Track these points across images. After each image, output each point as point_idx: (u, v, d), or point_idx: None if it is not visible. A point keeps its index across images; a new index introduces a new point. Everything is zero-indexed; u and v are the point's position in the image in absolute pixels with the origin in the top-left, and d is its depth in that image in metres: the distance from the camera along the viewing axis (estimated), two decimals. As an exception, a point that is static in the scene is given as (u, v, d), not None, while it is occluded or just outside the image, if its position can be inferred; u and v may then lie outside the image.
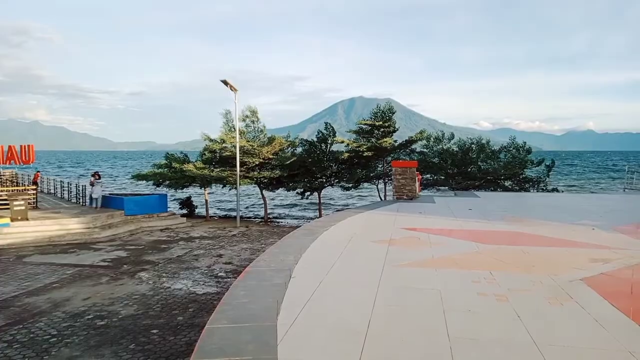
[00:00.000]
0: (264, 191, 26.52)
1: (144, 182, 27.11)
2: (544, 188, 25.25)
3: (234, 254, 14.96)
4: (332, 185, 26.41)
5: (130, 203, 20.78)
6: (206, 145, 25.41)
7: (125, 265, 13.17)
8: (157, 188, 25.90)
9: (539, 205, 15.83)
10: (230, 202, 37.34)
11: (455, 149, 26.92)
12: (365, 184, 29.34)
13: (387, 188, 26.28)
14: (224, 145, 24.82)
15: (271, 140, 24.63)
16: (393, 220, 12.30)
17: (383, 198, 26.34)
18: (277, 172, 24.22)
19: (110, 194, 23.54)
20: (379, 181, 27.15)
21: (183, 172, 24.14)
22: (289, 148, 26.11)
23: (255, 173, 24.35)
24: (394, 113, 26.13)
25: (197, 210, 28.43)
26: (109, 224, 18.77)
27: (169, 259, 14.11)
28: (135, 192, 29.24)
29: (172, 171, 25.00)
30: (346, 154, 24.53)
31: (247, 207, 34.78)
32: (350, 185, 26.29)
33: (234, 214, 28.93)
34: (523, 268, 7.04)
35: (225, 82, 21.34)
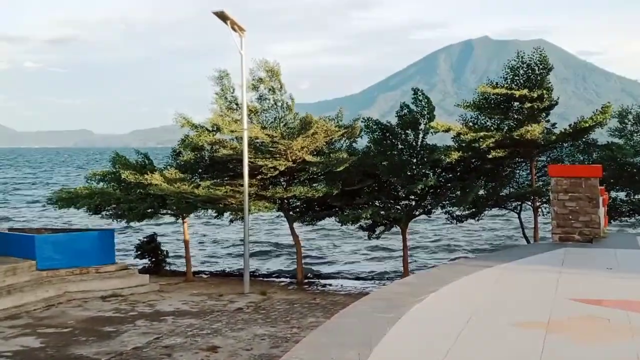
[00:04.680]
0: (296, 225, 26.71)
1: (71, 208, 27.82)
2: None
3: (239, 345, 15.04)
4: (427, 212, 26.12)
5: (47, 247, 21.42)
6: (185, 137, 25.96)
7: (37, 365, 13.48)
8: (96, 218, 26.57)
9: None
10: (234, 245, 37.76)
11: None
12: (494, 211, 28.74)
13: (538, 219, 25.71)
14: (218, 136, 25.24)
15: (305, 124, 24.88)
16: (554, 282, 11.99)
17: (532, 239, 25.78)
18: (321, 187, 24.27)
19: (10, 230, 24.38)
20: (522, 206, 26.59)
21: (143, 189, 24.78)
22: (343, 140, 26.22)
23: (279, 190, 24.53)
24: (550, 70, 25.67)
25: (169, 262, 29.03)
26: (9, 287, 19.41)
27: (117, 355, 14.34)
28: (56, 227, 30.15)
29: (124, 186, 25.68)
30: (454, 154, 24.25)
31: (263, 257, 35.05)
32: (465, 212, 25.89)
33: (238, 267, 29.20)
34: None
35: (222, 16, 21.74)
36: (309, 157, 24.20)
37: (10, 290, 19.24)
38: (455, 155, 24.09)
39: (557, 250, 15.67)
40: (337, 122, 26.02)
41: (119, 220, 26.22)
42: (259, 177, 24.23)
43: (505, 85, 25.40)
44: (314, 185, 24.67)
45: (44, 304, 19.34)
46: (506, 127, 25.31)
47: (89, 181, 27.33)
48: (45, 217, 51.46)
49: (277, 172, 24.32)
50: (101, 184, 26.62)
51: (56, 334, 16.17)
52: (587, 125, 25.11)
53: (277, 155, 24.11)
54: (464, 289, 11.29)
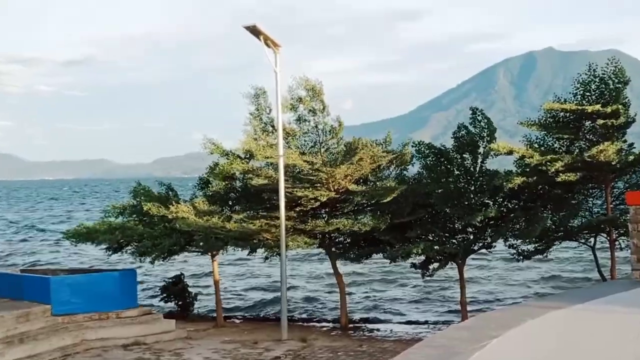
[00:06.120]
0: (339, 262, 26.61)
1: (90, 244, 28.08)
2: None
3: (277, 400, 15.00)
4: (487, 246, 25.86)
5: (64, 290, 21.66)
6: (215, 164, 26.15)
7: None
8: (116, 256, 26.80)
9: None
10: (269, 286, 37.71)
11: None
12: (564, 244, 28.29)
13: (616, 254, 25.32)
14: (252, 164, 25.39)
15: (351, 150, 24.89)
16: (635, 325, 11.85)
17: (609, 275, 25.40)
18: (367, 220, 24.20)
19: (22, 271, 24.66)
20: (596, 238, 26.21)
21: (167, 223, 24.98)
22: (393, 166, 26.20)
23: (320, 223, 24.53)
24: (627, 83, 25.37)
25: (197, 305, 29.12)
26: (21, 335, 19.55)
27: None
28: (73, 268, 30.42)
29: (147, 221, 25.93)
30: (518, 179, 24.02)
31: (303, 298, 34.91)
32: (532, 247, 25.58)
33: (275, 310, 29.16)
34: None
35: (254, 31, 21.94)
36: (352, 187, 24.16)
37: (23, 339, 19.40)
38: (518, 181, 23.67)
39: (638, 289, 15.42)
40: (385, 147, 25.95)
41: (141, 258, 26.29)
42: (297, 209, 24.21)
43: (575, 102, 25.10)
44: (359, 217, 24.52)
45: (59, 354, 19.45)
46: (577, 150, 25.00)
47: (107, 216, 27.58)
48: (58, 255, 52.02)
49: (317, 203, 24.26)
50: (120, 218, 26.88)
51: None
52: None
53: (318, 185, 24.09)
54: (530, 335, 11.15)
